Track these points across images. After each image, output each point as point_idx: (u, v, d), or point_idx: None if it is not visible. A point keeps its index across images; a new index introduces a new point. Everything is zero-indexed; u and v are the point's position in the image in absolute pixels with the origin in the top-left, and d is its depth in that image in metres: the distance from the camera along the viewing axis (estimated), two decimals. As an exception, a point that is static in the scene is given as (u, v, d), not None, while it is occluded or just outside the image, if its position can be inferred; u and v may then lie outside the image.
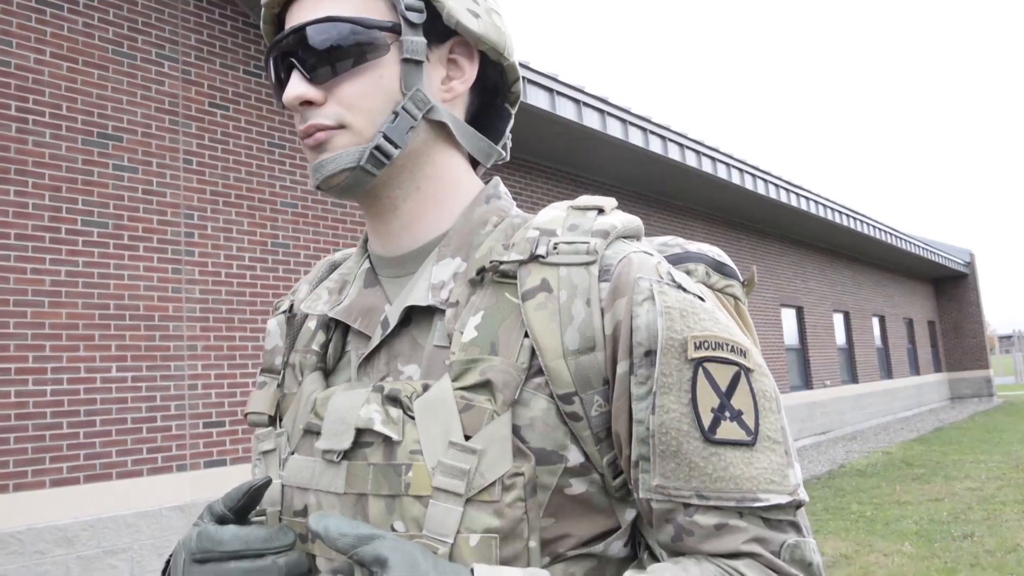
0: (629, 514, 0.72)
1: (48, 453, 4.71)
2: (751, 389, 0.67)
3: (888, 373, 18.17)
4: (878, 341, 18.02)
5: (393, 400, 0.70)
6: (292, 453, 0.76)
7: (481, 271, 0.73)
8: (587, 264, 0.70)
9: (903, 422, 16.63)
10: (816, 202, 12.68)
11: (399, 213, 0.80)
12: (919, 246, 17.95)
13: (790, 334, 13.86)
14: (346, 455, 0.71)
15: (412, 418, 0.69)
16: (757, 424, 0.66)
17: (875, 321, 17.97)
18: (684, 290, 0.70)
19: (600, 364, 0.68)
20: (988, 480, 8.78)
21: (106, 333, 5.05)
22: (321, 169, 0.76)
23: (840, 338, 15.93)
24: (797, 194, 12.05)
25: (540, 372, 0.69)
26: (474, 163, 0.88)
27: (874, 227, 15.19)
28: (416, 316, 0.76)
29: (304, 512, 0.73)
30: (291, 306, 0.90)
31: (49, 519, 4.64)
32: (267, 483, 0.75)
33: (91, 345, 4.97)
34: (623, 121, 8.31)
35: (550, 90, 7.42)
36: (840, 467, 10.67)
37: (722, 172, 10.05)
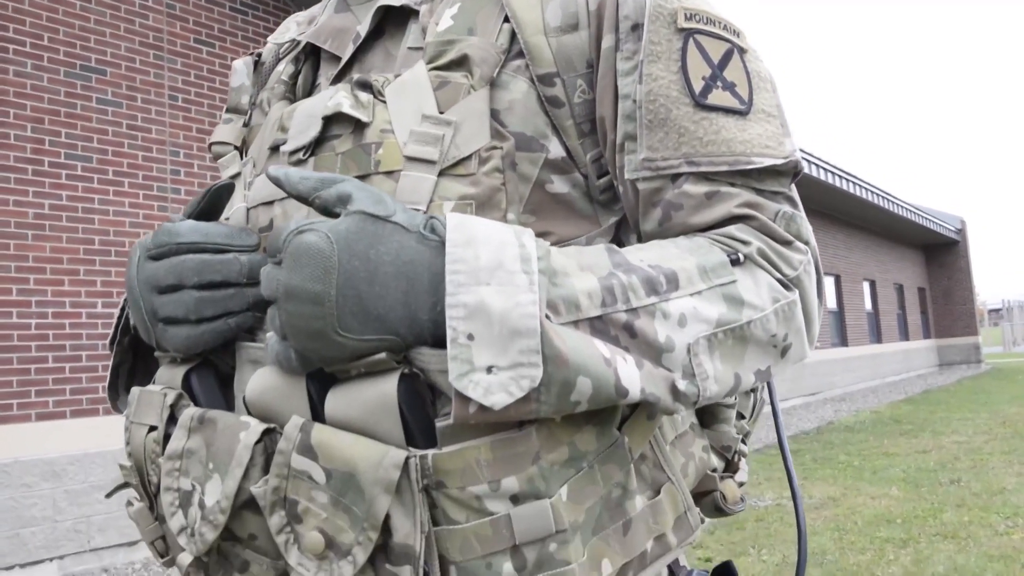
0: (613, 220, 0.68)
1: (33, 387, 4.67)
2: (745, 66, 0.63)
3: (878, 338, 18.25)
4: (868, 306, 18.07)
5: (364, 86, 0.65)
6: (258, 176, 0.72)
7: None
8: None
9: (891, 386, 16.74)
10: (808, 161, 12.63)
11: None
12: (911, 210, 17.94)
13: (781, 295, 13.88)
14: (313, 151, 0.66)
15: (383, 101, 0.64)
16: (751, 96, 0.62)
17: (866, 286, 18.01)
18: None
19: (583, 44, 0.65)
20: (975, 434, 8.84)
21: (91, 268, 4.99)
22: None
23: (830, 301, 15.96)
24: (790, 153, 12.00)
25: (521, 54, 0.65)
26: None
27: (866, 189, 15.16)
28: (389, 27, 0.72)
29: (270, 226, 0.69)
30: (259, 55, 0.85)
31: (35, 453, 4.61)
32: (229, 187, 0.70)
33: (76, 280, 4.91)
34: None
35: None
36: (829, 424, 10.73)
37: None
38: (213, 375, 0.68)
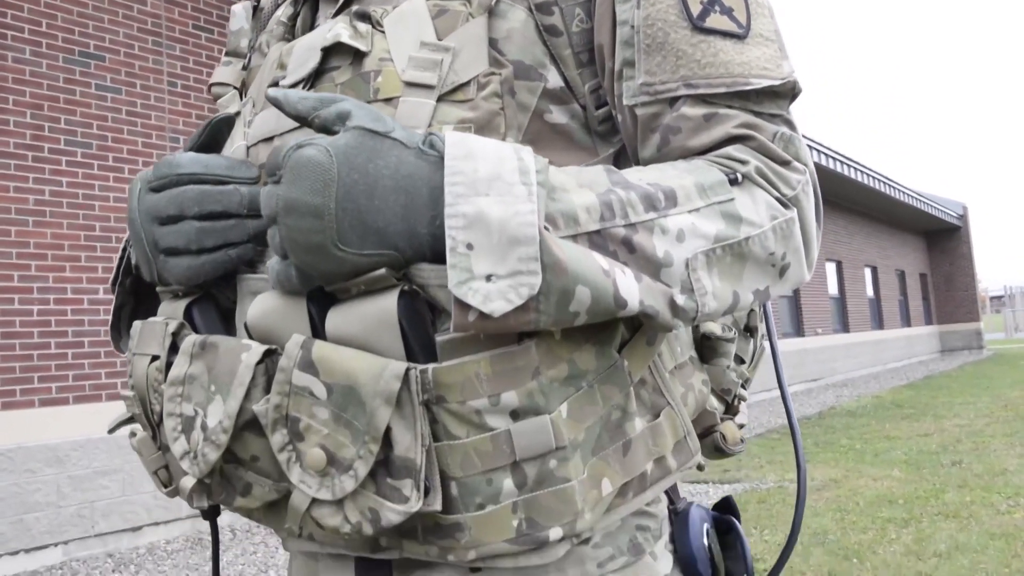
0: (611, 151, 0.68)
1: (36, 373, 4.68)
2: None
3: (879, 324, 18.26)
4: (870, 292, 18.07)
5: (362, 17, 0.66)
6: (258, 114, 0.72)
7: None
8: None
9: (893, 372, 16.75)
10: (809, 146, 12.61)
11: None
12: (913, 196, 17.92)
13: (782, 282, 13.87)
14: (312, 83, 0.66)
15: (382, 31, 0.65)
16: (749, 21, 0.62)
17: (867, 272, 18.01)
18: None
19: None
20: (977, 418, 8.85)
21: (92, 255, 4.99)
22: None
23: (832, 287, 15.97)
24: (791, 138, 11.97)
25: None
26: None
27: (867, 175, 15.14)
28: None
29: None
30: (259, 1, 0.85)
31: (39, 438, 4.63)
32: (229, 120, 0.70)
33: (77, 267, 4.91)
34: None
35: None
36: (830, 409, 10.75)
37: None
38: (214, 308, 0.68)
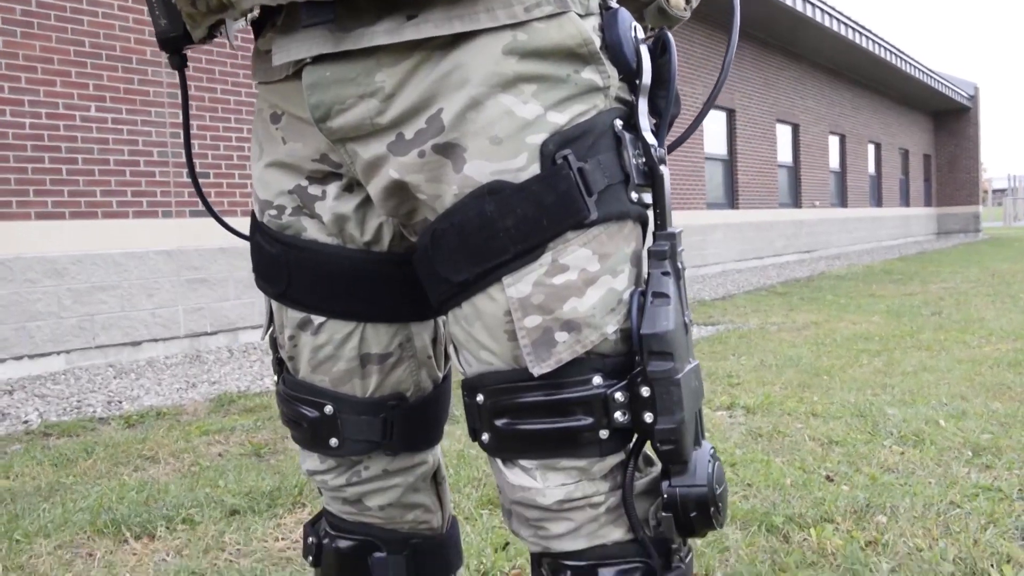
0: None
1: (31, 186, 4.72)
2: None
3: (878, 201, 18.23)
4: (871, 168, 17.95)
5: None
6: None
7: None
8: None
9: (888, 249, 16.85)
10: (821, 9, 12.23)
11: None
12: (924, 72, 17.52)
13: (784, 151, 13.76)
14: None
15: None
16: None
17: (871, 148, 17.82)
18: None
19: None
20: (963, 283, 8.99)
21: (83, 71, 4.94)
22: None
23: (834, 161, 15.85)
24: (802, -1, 11.61)
25: None
26: None
27: (880, 45, 14.75)
28: None
29: None
30: None
31: (37, 251, 4.72)
32: None
33: (68, 82, 4.87)
34: None
35: None
36: (820, 274, 10.90)
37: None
38: None
